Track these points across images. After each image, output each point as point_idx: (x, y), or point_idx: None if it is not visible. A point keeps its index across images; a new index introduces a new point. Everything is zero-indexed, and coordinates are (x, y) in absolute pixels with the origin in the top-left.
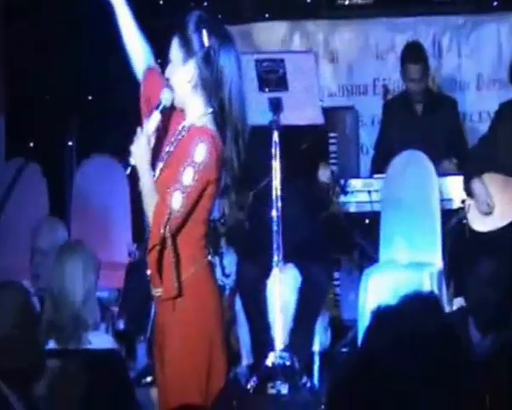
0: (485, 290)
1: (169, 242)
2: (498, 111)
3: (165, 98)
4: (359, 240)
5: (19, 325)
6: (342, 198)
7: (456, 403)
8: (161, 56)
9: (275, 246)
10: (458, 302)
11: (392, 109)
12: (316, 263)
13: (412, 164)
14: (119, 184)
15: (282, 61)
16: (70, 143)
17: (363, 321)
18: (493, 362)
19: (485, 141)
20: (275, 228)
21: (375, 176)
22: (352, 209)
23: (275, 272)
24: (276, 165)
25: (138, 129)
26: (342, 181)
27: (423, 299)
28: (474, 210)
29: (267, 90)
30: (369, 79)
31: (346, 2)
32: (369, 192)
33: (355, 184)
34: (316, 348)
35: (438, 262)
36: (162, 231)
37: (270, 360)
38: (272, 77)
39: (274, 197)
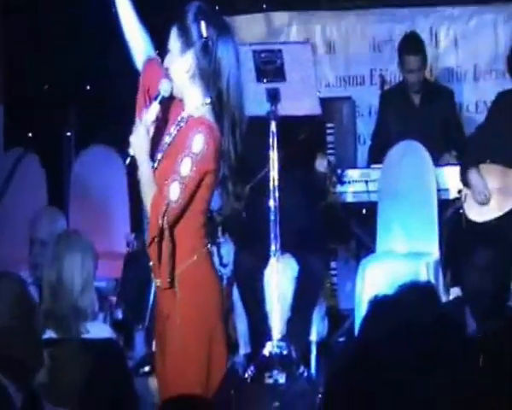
0: (481, 280)
1: (166, 233)
2: (495, 101)
3: (164, 89)
4: (356, 230)
5: (16, 317)
6: (339, 188)
7: (452, 392)
8: (161, 47)
9: (272, 236)
10: (455, 292)
11: (390, 100)
12: (313, 253)
13: (409, 154)
14: (117, 174)
15: (279, 51)
16: (68, 134)
17: (360, 311)
18: (484, 349)
19: (482, 131)
20: (272, 218)
21: (373, 166)
22: (349, 199)
23: (272, 261)
24: (273, 155)
25: (137, 119)
26: (339, 171)
27: (420, 289)
28: (471, 200)
29: (265, 80)
30: (366, 69)
31: None
32: (367, 182)
33: (352, 174)
34: (313, 337)
35: (435, 252)
36: (160, 222)
37: (268, 349)
38: (270, 68)
39: (271, 187)
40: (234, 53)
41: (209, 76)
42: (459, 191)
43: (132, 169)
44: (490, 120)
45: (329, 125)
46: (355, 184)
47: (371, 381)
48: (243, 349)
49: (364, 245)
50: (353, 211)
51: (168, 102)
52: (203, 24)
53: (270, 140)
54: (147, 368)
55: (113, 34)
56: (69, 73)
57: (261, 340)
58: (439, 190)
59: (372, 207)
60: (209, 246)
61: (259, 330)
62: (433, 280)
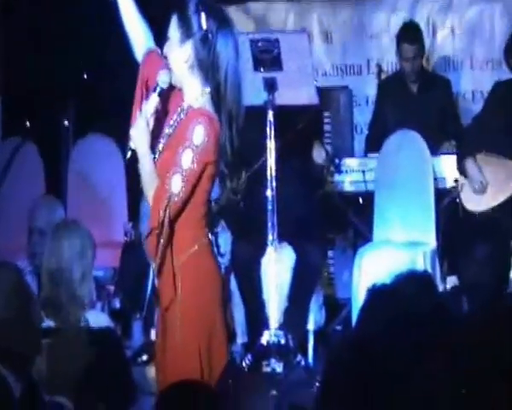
0: (478, 270)
1: (166, 225)
2: (492, 91)
3: (162, 81)
4: (353, 219)
5: (13, 306)
6: (336, 177)
7: (450, 381)
8: (160, 37)
9: (269, 225)
10: (452, 281)
11: (388, 89)
12: (310, 242)
13: (406, 143)
14: (115, 163)
15: (276, 41)
16: (66, 124)
17: (357, 300)
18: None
19: (478, 121)
20: (269, 207)
21: (370, 155)
22: (347, 189)
23: (269, 251)
24: (270, 144)
25: (137, 112)
26: (336, 161)
27: (417, 278)
28: (467, 189)
29: (262, 70)
30: (362, 58)
31: None
32: (364, 172)
33: (349, 163)
34: (310, 326)
35: (431, 241)
36: (162, 214)
37: (265, 338)
38: (267, 57)
39: (269, 177)
40: (233, 47)
41: (207, 67)
42: (455, 181)
43: (133, 162)
44: (486, 111)
45: (326, 114)
46: (352, 174)
47: (368, 369)
48: (241, 338)
49: (361, 234)
50: (350, 200)
51: (168, 93)
52: (203, 16)
53: (268, 129)
54: (144, 357)
55: (112, 24)
56: (67, 62)
57: (258, 329)
58: (435, 179)
59: (369, 196)
60: (209, 236)
61: (257, 319)
62: (429, 269)
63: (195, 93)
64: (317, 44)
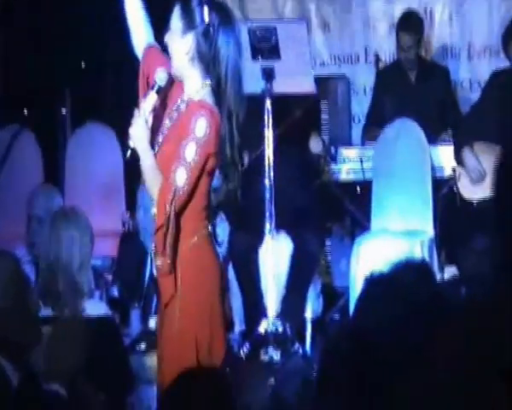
0: (476, 260)
1: (172, 219)
2: (489, 81)
3: (160, 78)
4: (351, 208)
5: (11, 296)
6: (333, 166)
7: (448, 369)
8: (162, 30)
9: (267, 214)
10: (450, 271)
11: (386, 78)
12: (308, 231)
13: (404, 132)
14: (112, 152)
15: (274, 29)
16: (64, 112)
17: (355, 288)
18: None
19: (475, 110)
20: (267, 196)
21: (367, 144)
22: (344, 177)
23: (267, 240)
24: (268, 133)
25: (136, 110)
26: (332, 150)
27: (415, 267)
28: (465, 179)
29: (260, 58)
30: (360, 47)
31: None
32: (361, 161)
33: (347, 152)
34: (308, 314)
35: (429, 230)
36: (168, 209)
37: (263, 326)
38: (265, 45)
39: (266, 166)
40: (234, 44)
41: (208, 61)
42: (453, 170)
43: (133, 161)
44: (484, 100)
45: (324, 103)
46: (349, 163)
47: (366, 358)
48: (238, 327)
49: (359, 223)
50: (348, 189)
51: (169, 85)
52: (206, 9)
53: (265, 118)
54: (143, 345)
55: (109, 13)
56: (65, 51)
57: (256, 317)
58: (433, 168)
59: (367, 185)
60: (209, 227)
61: (255, 307)
62: (427, 258)
63: (196, 85)
64: (315, 33)
